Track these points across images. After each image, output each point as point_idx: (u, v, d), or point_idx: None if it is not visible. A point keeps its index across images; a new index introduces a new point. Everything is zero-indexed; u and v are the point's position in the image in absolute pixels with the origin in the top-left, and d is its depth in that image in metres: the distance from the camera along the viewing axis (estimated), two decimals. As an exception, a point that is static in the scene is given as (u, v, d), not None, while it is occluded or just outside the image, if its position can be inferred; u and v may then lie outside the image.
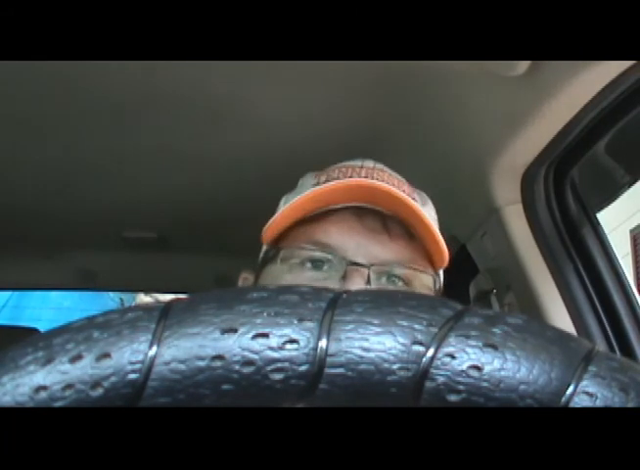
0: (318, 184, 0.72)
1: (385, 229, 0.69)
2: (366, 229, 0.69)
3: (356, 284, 0.65)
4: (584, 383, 0.23)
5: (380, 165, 0.76)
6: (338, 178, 0.72)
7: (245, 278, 0.78)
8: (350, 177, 0.72)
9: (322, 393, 0.23)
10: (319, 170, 0.77)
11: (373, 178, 0.72)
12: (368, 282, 0.66)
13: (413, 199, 0.72)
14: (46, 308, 6.34)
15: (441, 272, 0.75)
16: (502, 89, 0.91)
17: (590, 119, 0.90)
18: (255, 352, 0.22)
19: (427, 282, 0.70)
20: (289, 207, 0.70)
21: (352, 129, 1.15)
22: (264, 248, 0.75)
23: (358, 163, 0.75)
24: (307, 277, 0.67)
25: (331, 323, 0.23)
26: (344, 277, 0.66)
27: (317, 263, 0.68)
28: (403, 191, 0.72)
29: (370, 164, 0.75)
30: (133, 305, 0.25)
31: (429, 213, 0.73)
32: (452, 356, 0.23)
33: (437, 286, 0.72)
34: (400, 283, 0.69)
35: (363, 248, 0.68)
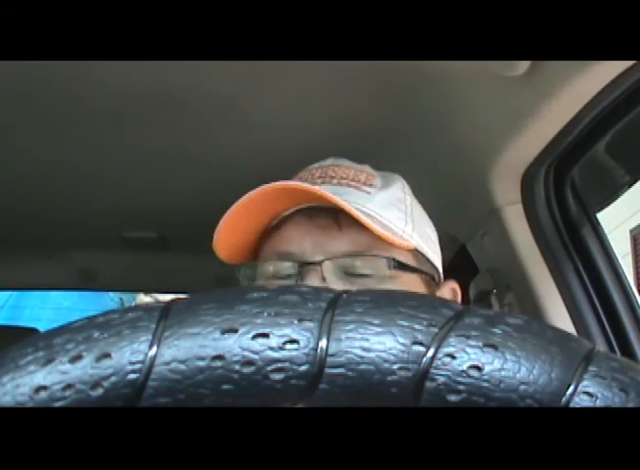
0: None
1: (335, 223, 0.69)
2: (317, 227, 0.70)
3: (311, 282, 0.66)
4: (585, 383, 0.23)
5: (340, 161, 0.76)
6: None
7: None
8: (306, 181, 0.73)
9: (322, 393, 0.23)
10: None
11: (326, 176, 0.73)
12: (323, 279, 0.67)
13: (370, 185, 0.73)
14: (46, 308, 6.34)
15: (426, 247, 0.73)
16: (502, 89, 0.91)
17: (590, 119, 0.90)
18: (256, 352, 0.22)
19: (382, 265, 0.69)
20: (225, 221, 0.70)
21: (352, 130, 1.15)
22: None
23: (316, 165, 0.76)
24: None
25: (331, 323, 0.23)
26: (302, 279, 0.67)
27: (286, 272, 0.69)
28: (358, 181, 0.72)
29: (328, 162, 0.76)
30: (133, 305, 0.25)
31: (392, 194, 0.73)
32: (452, 356, 0.23)
33: (393, 264, 0.69)
34: (357, 278, 0.68)
35: (318, 245, 0.69)
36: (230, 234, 0.72)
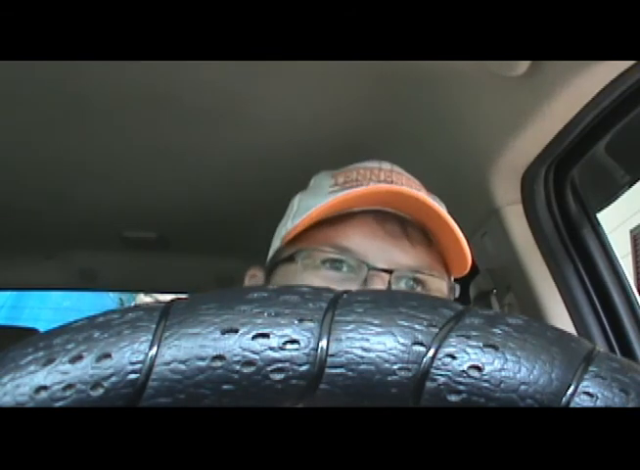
0: (336, 185, 0.72)
1: (405, 234, 0.69)
2: (387, 234, 0.68)
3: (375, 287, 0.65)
4: (585, 383, 0.23)
5: (398, 168, 0.75)
6: (357, 181, 0.72)
7: (253, 275, 0.77)
8: (370, 180, 0.71)
9: (322, 393, 0.23)
10: (333, 169, 0.76)
11: (393, 182, 0.72)
12: (389, 287, 0.66)
13: (433, 198, 0.72)
14: (45, 308, 6.34)
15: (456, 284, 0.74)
16: (502, 89, 0.91)
17: (590, 119, 0.90)
18: (256, 353, 0.22)
19: (442, 288, 0.70)
20: (315, 211, 0.68)
21: (352, 130, 1.15)
22: (276, 246, 0.74)
23: (375, 164, 0.75)
24: (324, 276, 0.66)
25: (331, 323, 0.23)
26: (366, 281, 0.66)
27: (336, 264, 0.68)
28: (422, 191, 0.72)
29: (387, 166, 0.75)
30: (133, 305, 0.25)
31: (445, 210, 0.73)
32: (453, 357, 0.23)
33: (452, 294, 0.71)
34: (419, 287, 0.68)
35: (385, 253, 0.68)
36: (307, 222, 0.69)
